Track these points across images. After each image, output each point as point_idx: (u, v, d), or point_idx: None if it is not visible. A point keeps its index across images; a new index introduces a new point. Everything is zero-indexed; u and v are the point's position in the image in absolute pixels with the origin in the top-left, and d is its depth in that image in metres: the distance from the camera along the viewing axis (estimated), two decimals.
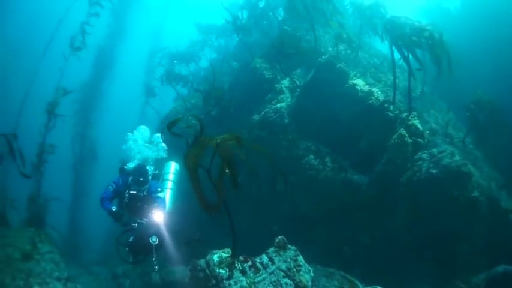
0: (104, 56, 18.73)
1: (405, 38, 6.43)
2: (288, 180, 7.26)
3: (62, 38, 12.34)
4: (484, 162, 7.20)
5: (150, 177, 6.30)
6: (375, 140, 6.87)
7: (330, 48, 9.05)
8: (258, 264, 4.16)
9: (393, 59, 6.87)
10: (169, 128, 3.66)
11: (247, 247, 4.33)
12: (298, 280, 4.09)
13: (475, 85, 7.78)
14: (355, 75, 7.78)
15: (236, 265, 4.06)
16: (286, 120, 7.74)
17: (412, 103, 6.96)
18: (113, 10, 18.68)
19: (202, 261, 4.20)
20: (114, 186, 6.14)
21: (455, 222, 5.68)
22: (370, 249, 6.45)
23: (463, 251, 5.65)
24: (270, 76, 9.01)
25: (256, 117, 8.29)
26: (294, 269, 4.20)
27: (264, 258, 4.26)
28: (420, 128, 6.54)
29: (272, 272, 4.09)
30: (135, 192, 6.05)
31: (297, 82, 8.49)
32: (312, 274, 4.35)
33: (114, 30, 19.66)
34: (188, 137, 3.84)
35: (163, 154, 6.95)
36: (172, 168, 7.13)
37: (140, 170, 6.15)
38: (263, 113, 8.10)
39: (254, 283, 3.92)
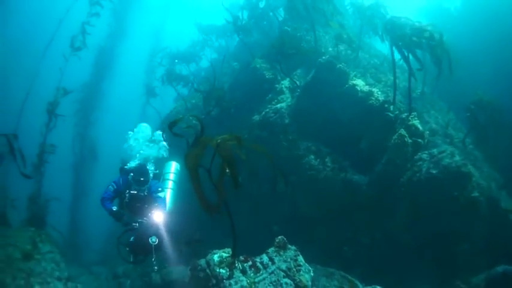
0: (105, 56, 18.79)
1: (405, 38, 6.44)
2: (289, 180, 7.27)
3: (63, 38, 12.37)
4: (484, 163, 7.21)
5: (150, 177, 6.31)
6: (375, 140, 6.88)
7: (330, 49, 9.06)
8: (258, 264, 4.17)
9: (393, 60, 6.87)
10: (170, 128, 3.67)
11: (247, 247, 4.34)
12: (298, 280, 4.10)
13: (476, 85, 7.78)
14: (355, 76, 7.78)
15: (236, 265, 4.07)
16: (287, 121, 7.75)
17: (412, 103, 6.97)
18: (113, 10, 18.74)
19: (202, 261, 4.21)
20: (115, 186, 6.14)
21: (455, 222, 5.68)
22: (370, 249, 6.46)
23: (463, 251, 5.65)
24: (271, 76, 9.02)
25: (256, 117, 8.30)
26: (294, 269, 4.21)
27: (264, 258, 4.27)
28: (420, 128, 6.55)
29: (272, 272, 4.10)
30: (135, 192, 6.05)
31: (297, 82, 8.49)
32: (312, 274, 4.36)
33: (115, 30, 19.72)
34: (189, 137, 3.85)
35: (165, 153, 6.96)
36: (173, 168, 7.14)
37: (141, 169, 6.15)
38: (263, 113, 8.11)
39: (254, 283, 3.93)
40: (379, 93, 7.18)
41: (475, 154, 7.29)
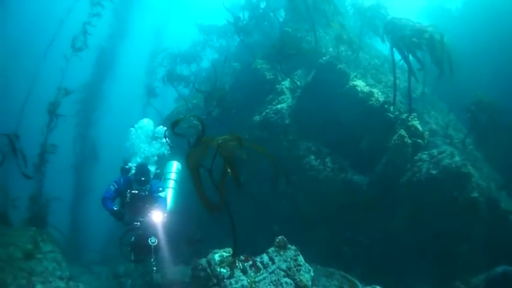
0: (106, 56, 18.81)
1: (406, 39, 6.45)
2: (290, 179, 7.28)
3: (64, 38, 12.40)
4: (484, 163, 7.22)
5: (151, 177, 6.33)
6: (375, 141, 6.89)
7: (330, 49, 9.07)
8: (258, 263, 4.19)
9: (394, 60, 6.89)
10: (172, 128, 3.69)
11: (248, 247, 4.37)
12: (298, 279, 4.12)
13: (476, 86, 7.78)
14: (355, 76, 7.80)
15: (237, 264, 4.10)
16: (287, 121, 7.77)
17: (413, 104, 6.98)
18: (114, 10, 18.79)
19: (203, 261, 4.23)
20: (116, 186, 6.16)
21: (455, 222, 5.70)
22: (370, 249, 6.47)
23: (462, 252, 5.66)
24: (271, 77, 9.03)
25: (257, 117, 8.32)
26: (294, 269, 4.23)
27: (265, 257, 4.30)
28: (420, 128, 6.57)
29: (272, 272, 4.12)
30: (136, 191, 6.08)
31: (298, 83, 8.51)
32: (312, 274, 4.38)
33: (116, 30, 19.75)
34: (190, 137, 3.88)
35: (166, 151, 6.96)
36: (174, 167, 7.16)
37: (142, 169, 6.18)
38: (264, 113, 8.13)
39: (255, 282, 3.95)
40: (380, 93, 7.20)
41: (475, 155, 7.30)
